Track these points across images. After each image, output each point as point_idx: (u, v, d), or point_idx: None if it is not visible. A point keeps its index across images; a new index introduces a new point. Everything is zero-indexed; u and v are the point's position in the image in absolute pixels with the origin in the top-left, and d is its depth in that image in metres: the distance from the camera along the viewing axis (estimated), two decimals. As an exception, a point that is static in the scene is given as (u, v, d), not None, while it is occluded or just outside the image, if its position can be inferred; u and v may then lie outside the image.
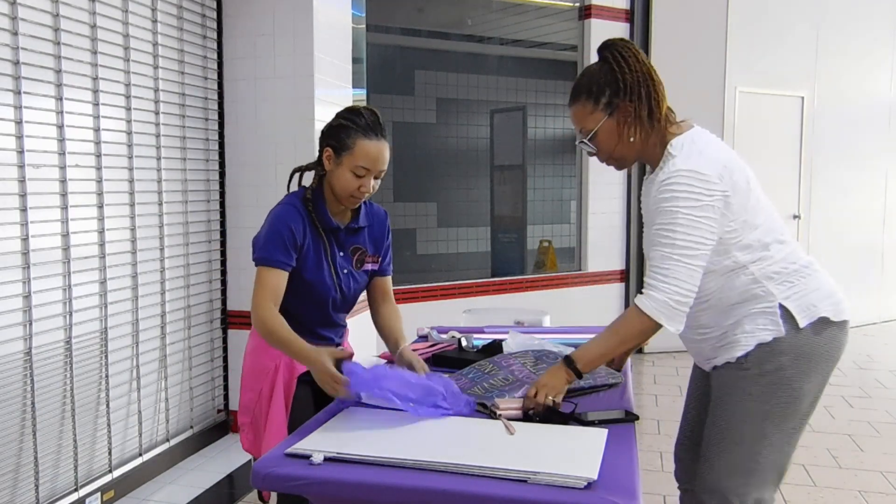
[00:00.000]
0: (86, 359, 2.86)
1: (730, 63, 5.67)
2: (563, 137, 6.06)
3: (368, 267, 2.10)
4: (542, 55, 5.99)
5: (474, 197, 6.02)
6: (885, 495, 3.08)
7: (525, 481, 1.30)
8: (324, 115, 3.62)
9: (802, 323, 1.66)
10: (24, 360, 2.57)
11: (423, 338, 2.46)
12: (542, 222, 6.12)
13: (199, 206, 3.61)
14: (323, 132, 1.97)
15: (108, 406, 2.99)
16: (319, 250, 1.96)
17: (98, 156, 2.89)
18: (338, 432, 1.57)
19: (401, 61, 5.57)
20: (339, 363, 1.78)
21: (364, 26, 4.27)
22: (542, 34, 5.82)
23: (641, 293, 1.66)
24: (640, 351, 5.66)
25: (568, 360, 1.71)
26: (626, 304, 5.79)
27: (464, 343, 2.32)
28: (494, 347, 2.23)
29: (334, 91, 3.78)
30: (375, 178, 1.93)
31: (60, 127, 2.69)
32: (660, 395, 4.66)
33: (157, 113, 3.26)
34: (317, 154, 2.01)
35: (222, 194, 3.77)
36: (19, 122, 2.50)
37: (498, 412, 1.65)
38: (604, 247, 5.72)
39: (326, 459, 1.41)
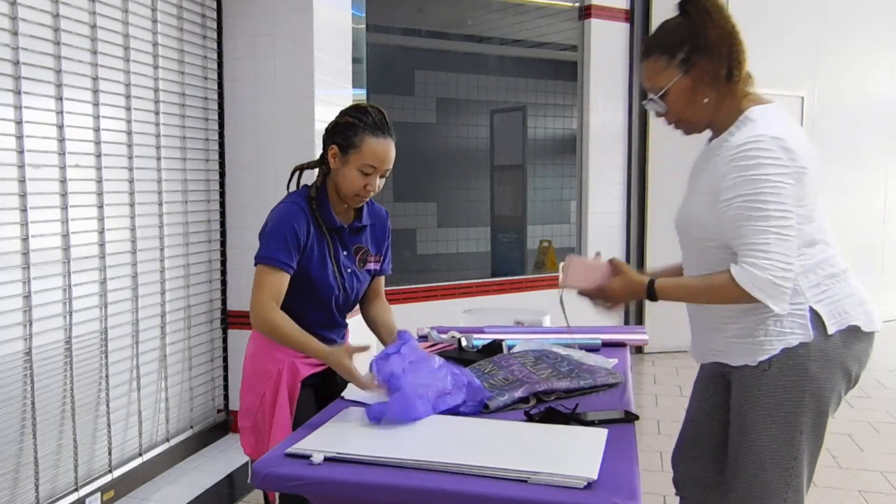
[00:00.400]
0: (86, 359, 2.86)
1: (730, 63, 5.66)
2: (563, 137, 6.06)
3: (371, 266, 2.09)
4: (542, 55, 5.98)
5: (474, 197, 6.02)
6: (885, 495, 3.08)
7: (525, 481, 1.30)
8: (324, 115, 3.62)
9: (832, 329, 1.60)
10: (24, 360, 2.56)
11: (423, 338, 2.46)
12: (542, 222, 6.12)
13: (199, 206, 3.61)
14: (328, 130, 1.95)
15: (108, 406, 2.99)
16: (323, 250, 1.94)
17: (98, 156, 2.89)
18: (338, 432, 1.57)
19: (401, 61, 5.57)
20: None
21: (364, 26, 4.27)
22: (542, 34, 5.82)
23: (736, 263, 1.55)
24: (639, 350, 5.66)
25: (651, 286, 1.66)
26: (626, 304, 5.78)
27: (464, 343, 2.32)
28: (494, 347, 2.23)
29: (334, 91, 3.78)
30: (381, 176, 1.92)
31: (60, 127, 2.69)
32: (660, 395, 4.65)
33: (157, 113, 3.26)
34: (318, 153, 2.01)
35: (222, 194, 3.77)
36: (19, 122, 2.50)
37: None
38: (604, 247, 5.70)
39: (326, 459, 1.42)
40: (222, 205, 3.77)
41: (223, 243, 3.79)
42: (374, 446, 1.47)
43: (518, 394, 1.76)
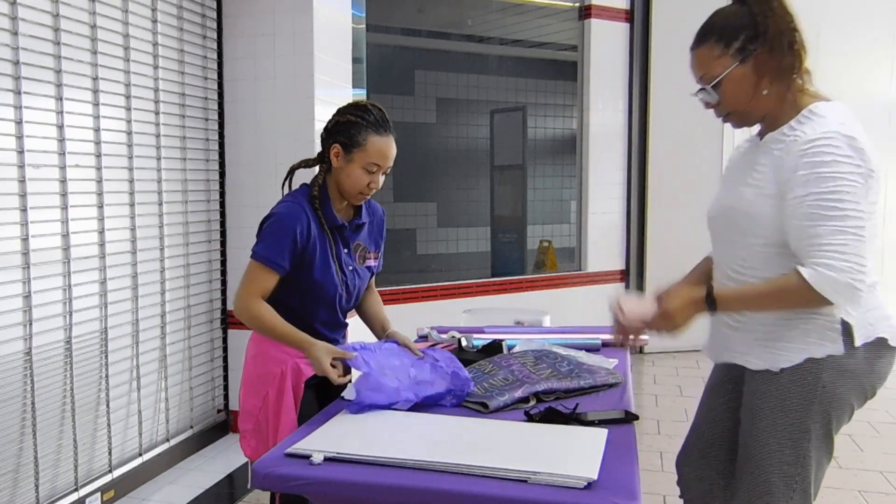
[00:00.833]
0: (86, 359, 2.86)
1: (730, 63, 5.66)
2: (563, 137, 6.06)
3: (370, 263, 2.09)
4: (542, 55, 5.98)
5: (474, 197, 6.02)
6: (885, 495, 3.08)
7: (525, 481, 1.30)
8: (324, 115, 3.61)
9: (859, 342, 1.55)
10: (24, 360, 2.56)
11: (423, 338, 2.46)
12: (542, 222, 6.12)
13: (199, 206, 3.61)
14: (328, 129, 1.95)
15: (108, 406, 2.99)
16: (326, 249, 1.94)
17: (98, 156, 2.89)
18: (338, 432, 1.57)
19: (401, 61, 5.57)
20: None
21: (364, 26, 4.27)
22: (542, 34, 5.82)
23: (805, 265, 1.46)
24: (640, 350, 5.66)
25: (710, 296, 1.56)
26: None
27: (464, 343, 2.32)
28: (494, 347, 2.23)
29: (334, 91, 3.78)
30: (383, 173, 1.93)
31: (60, 127, 2.68)
32: (660, 395, 4.65)
33: (157, 113, 3.26)
34: (316, 152, 2.01)
35: (222, 194, 3.77)
36: (19, 122, 2.50)
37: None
38: (604, 247, 5.71)
39: (326, 459, 1.42)
40: (222, 205, 3.77)
41: (223, 243, 3.79)
42: (374, 446, 1.47)
43: (518, 394, 1.76)
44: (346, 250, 2.01)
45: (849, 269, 1.44)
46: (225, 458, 3.55)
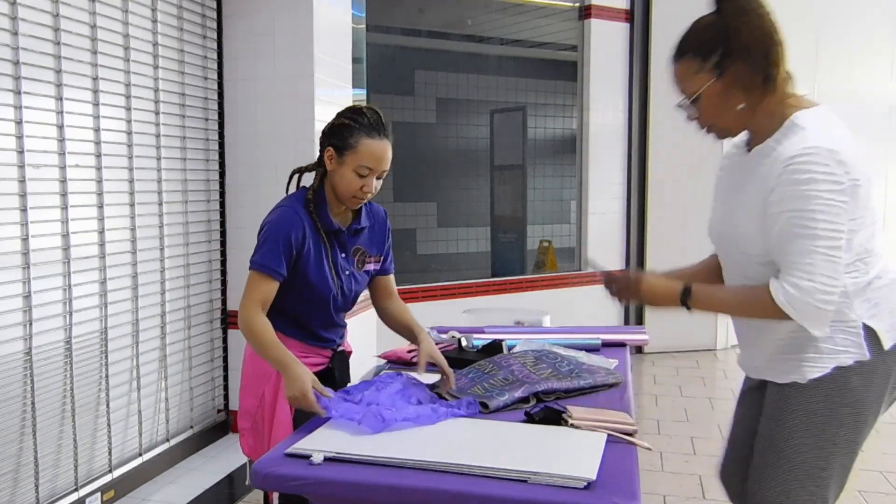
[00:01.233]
0: (86, 359, 2.86)
1: (730, 63, 5.66)
2: (563, 137, 6.06)
3: (370, 267, 2.09)
4: (542, 55, 5.99)
5: (474, 197, 6.03)
6: (885, 495, 3.08)
7: (525, 481, 1.30)
8: (324, 115, 3.62)
9: (888, 344, 1.54)
10: (24, 360, 2.56)
11: (423, 338, 2.46)
12: (542, 222, 6.12)
13: (199, 206, 3.61)
14: (324, 132, 1.95)
15: (108, 406, 2.99)
16: (321, 252, 1.94)
17: (98, 156, 2.89)
18: (338, 432, 1.57)
19: (401, 61, 5.58)
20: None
21: (364, 26, 4.27)
22: (542, 34, 5.82)
23: (777, 279, 1.48)
24: (639, 350, 5.66)
25: (686, 292, 1.60)
26: (627, 304, 5.79)
27: (464, 343, 2.32)
28: (494, 347, 2.23)
29: (334, 91, 3.78)
30: (378, 178, 1.92)
31: (60, 127, 2.68)
32: (660, 395, 4.66)
33: (157, 113, 3.26)
34: (317, 154, 2.01)
35: (222, 194, 3.77)
36: (19, 122, 2.50)
37: (571, 421, 1.57)
38: (604, 247, 5.72)
39: (326, 459, 1.42)
40: (222, 205, 3.77)
41: (223, 243, 3.79)
42: (374, 446, 1.47)
43: (518, 394, 1.76)
44: (342, 254, 2.00)
45: (813, 290, 1.44)
46: (225, 458, 3.55)
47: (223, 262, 3.79)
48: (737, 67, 1.53)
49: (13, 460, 2.54)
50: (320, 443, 1.49)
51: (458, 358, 2.17)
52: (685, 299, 1.62)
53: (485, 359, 2.04)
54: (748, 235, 1.57)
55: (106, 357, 2.96)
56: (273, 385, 1.97)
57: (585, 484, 1.27)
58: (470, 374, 1.94)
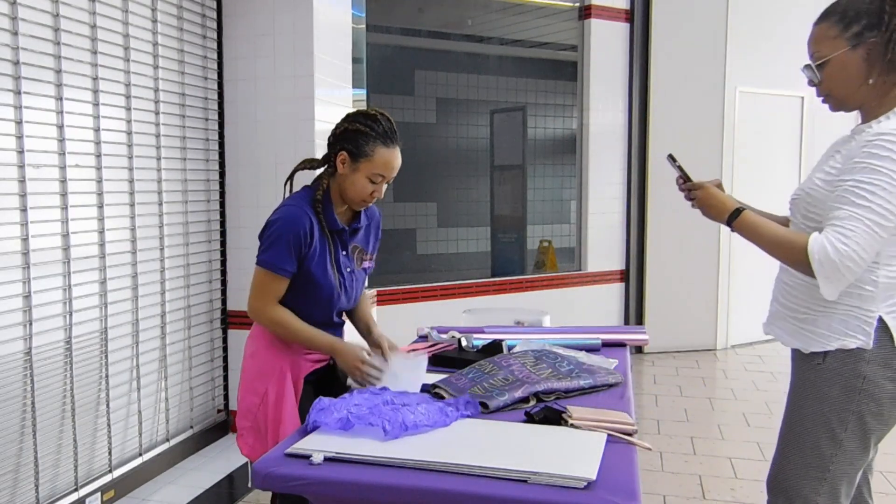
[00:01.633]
0: (86, 359, 2.86)
1: (730, 63, 5.67)
2: (563, 137, 6.06)
3: (367, 265, 2.12)
4: (542, 55, 5.98)
5: (474, 197, 6.02)
6: (885, 495, 3.08)
7: (525, 481, 1.30)
8: (324, 115, 3.62)
9: None
10: (24, 360, 2.56)
11: (423, 338, 2.46)
12: (542, 222, 6.12)
13: (199, 206, 3.61)
14: (337, 135, 1.96)
15: (108, 406, 2.99)
16: (325, 251, 1.96)
17: (98, 156, 2.89)
18: (338, 432, 1.57)
19: (401, 61, 5.57)
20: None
21: (364, 26, 4.27)
22: (542, 34, 5.82)
23: (820, 232, 1.52)
24: (639, 350, 5.66)
25: (737, 212, 1.65)
26: (626, 304, 5.79)
27: (464, 343, 2.32)
28: (494, 347, 2.23)
29: (334, 91, 3.78)
30: (386, 183, 1.97)
31: (60, 127, 2.69)
32: (660, 395, 4.66)
33: (157, 113, 3.26)
34: (318, 153, 2.01)
35: (222, 194, 3.77)
36: (19, 122, 2.50)
37: (571, 421, 1.57)
38: (604, 247, 5.72)
39: (326, 459, 1.41)
40: (222, 205, 3.77)
41: (223, 243, 3.79)
42: (374, 446, 1.47)
43: (518, 394, 1.76)
44: (344, 253, 2.03)
45: (843, 253, 1.47)
46: (225, 458, 3.55)
47: (223, 262, 3.79)
48: (875, 43, 1.54)
49: (13, 460, 2.54)
50: (320, 443, 1.49)
51: (458, 358, 2.17)
52: (733, 218, 1.66)
53: (485, 359, 2.04)
54: (816, 199, 1.61)
55: (106, 357, 2.96)
56: (277, 383, 1.98)
57: (585, 484, 1.27)
58: (470, 374, 1.94)
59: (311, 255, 1.92)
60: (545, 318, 3.40)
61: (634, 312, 5.79)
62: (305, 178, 2.07)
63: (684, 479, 3.30)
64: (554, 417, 1.62)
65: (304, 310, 1.98)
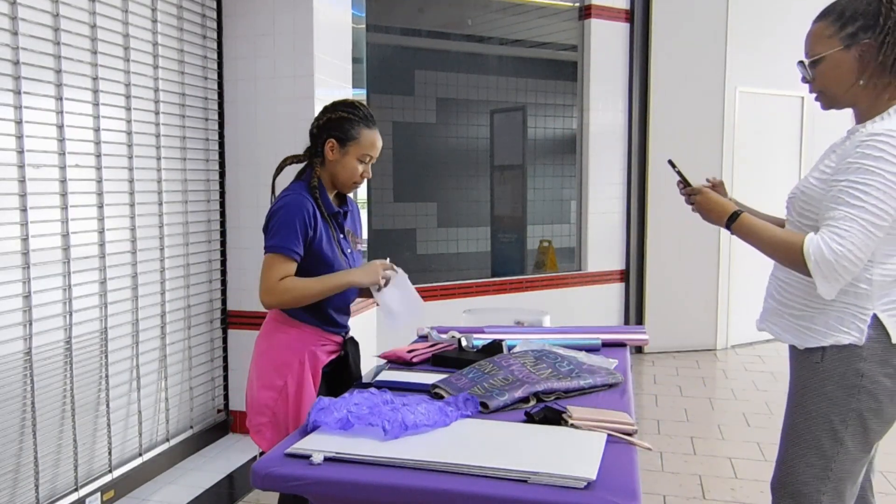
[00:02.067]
0: (86, 359, 2.86)
1: (730, 63, 5.67)
2: (563, 137, 6.06)
3: (360, 247, 2.23)
4: (542, 55, 5.98)
5: (474, 197, 6.01)
6: (885, 495, 3.08)
7: (525, 481, 1.30)
8: (324, 115, 3.62)
9: None
10: (24, 360, 2.56)
11: (423, 338, 2.46)
12: (542, 222, 6.11)
13: (199, 206, 3.61)
14: (321, 126, 2.06)
15: (108, 406, 2.99)
16: (329, 235, 2.05)
17: (98, 156, 2.89)
18: (338, 432, 1.57)
19: (401, 61, 5.57)
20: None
21: (364, 26, 4.27)
22: (542, 34, 5.81)
23: (815, 234, 1.54)
24: (639, 350, 5.66)
25: (735, 215, 1.68)
26: (626, 304, 5.79)
27: (464, 343, 2.32)
28: (494, 347, 2.23)
29: (334, 91, 3.78)
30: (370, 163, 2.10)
31: (60, 127, 2.69)
32: (660, 395, 4.66)
33: (157, 113, 3.26)
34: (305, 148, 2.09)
35: (222, 194, 3.77)
36: (19, 122, 2.50)
37: (571, 421, 1.58)
38: (604, 247, 5.72)
39: (326, 459, 1.41)
40: (222, 205, 3.77)
41: (223, 243, 3.79)
42: (374, 446, 1.47)
43: (518, 394, 1.76)
44: (341, 235, 2.12)
45: (839, 253, 1.49)
46: (225, 458, 3.55)
47: (223, 262, 3.79)
48: (869, 45, 1.56)
49: (13, 460, 2.54)
50: (320, 443, 1.49)
51: (458, 358, 2.17)
52: (731, 222, 1.69)
53: (485, 359, 2.04)
54: (811, 198, 1.63)
55: (106, 357, 2.96)
56: (296, 375, 2.03)
57: (585, 484, 1.27)
58: (470, 374, 1.94)
59: (317, 239, 2.00)
60: (545, 318, 3.40)
61: (634, 312, 5.79)
62: (288, 175, 2.15)
63: (684, 479, 3.31)
64: (554, 417, 1.62)
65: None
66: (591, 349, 2.28)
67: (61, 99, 2.68)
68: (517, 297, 5.22)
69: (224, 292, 3.80)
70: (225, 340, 3.84)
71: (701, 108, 5.65)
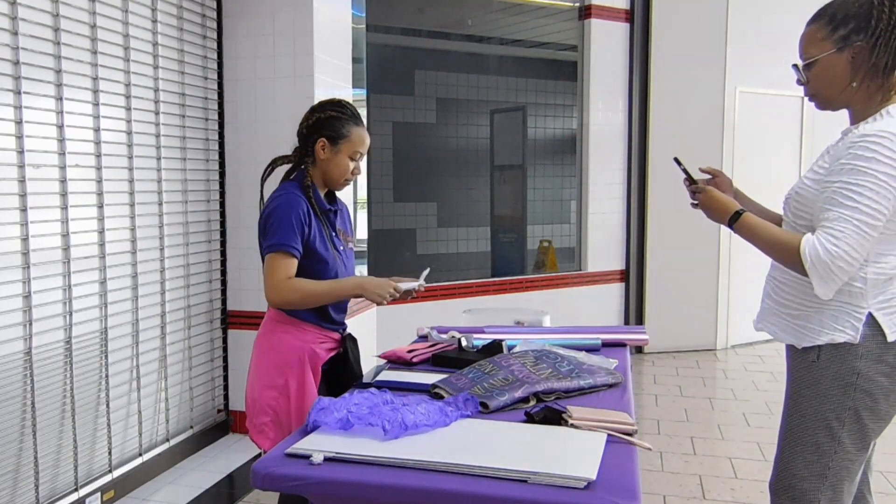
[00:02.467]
0: (86, 359, 2.86)
1: (730, 63, 5.67)
2: (563, 137, 6.06)
3: (351, 246, 2.24)
4: (542, 55, 5.98)
5: (474, 197, 6.01)
6: (885, 495, 3.08)
7: (525, 481, 1.30)
8: (324, 115, 3.62)
9: (892, 337, 1.60)
10: (24, 360, 2.56)
11: (423, 338, 2.46)
12: (542, 222, 6.11)
13: (199, 206, 3.61)
14: (311, 126, 2.09)
15: (108, 406, 2.99)
16: (322, 232, 2.07)
17: (98, 156, 2.89)
18: (338, 432, 1.57)
19: (401, 61, 5.57)
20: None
21: (364, 26, 4.27)
22: (542, 34, 5.81)
23: (812, 234, 1.55)
24: (639, 350, 5.66)
25: (737, 214, 1.69)
26: (626, 304, 5.79)
27: (464, 343, 2.32)
28: (494, 347, 2.23)
29: (334, 91, 3.78)
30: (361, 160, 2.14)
31: (60, 127, 2.69)
32: (660, 395, 4.66)
33: (157, 113, 3.26)
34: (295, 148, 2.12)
35: (222, 194, 3.77)
36: (19, 122, 2.50)
37: (571, 421, 1.58)
38: (604, 247, 5.72)
39: (326, 459, 1.41)
40: (222, 205, 3.77)
41: (223, 243, 3.79)
42: (374, 446, 1.47)
43: (518, 394, 1.76)
44: (334, 233, 2.14)
45: (835, 255, 1.50)
46: (225, 458, 3.55)
47: (223, 262, 3.79)
48: (861, 47, 1.57)
49: (13, 460, 2.54)
50: (320, 443, 1.49)
51: (458, 358, 2.17)
52: (733, 221, 1.70)
53: (485, 359, 2.04)
54: (805, 198, 1.65)
55: (106, 357, 2.96)
56: (298, 374, 2.04)
57: (585, 484, 1.27)
58: (470, 374, 1.94)
59: (312, 236, 2.02)
60: (545, 318, 3.40)
61: (634, 312, 5.79)
62: (277, 176, 2.20)
63: (684, 479, 3.31)
64: (554, 417, 1.62)
65: None
66: (591, 349, 2.28)
67: (61, 99, 2.68)
68: (517, 297, 5.22)
69: (224, 292, 3.80)
70: (225, 340, 3.84)
71: (701, 108, 5.65)
